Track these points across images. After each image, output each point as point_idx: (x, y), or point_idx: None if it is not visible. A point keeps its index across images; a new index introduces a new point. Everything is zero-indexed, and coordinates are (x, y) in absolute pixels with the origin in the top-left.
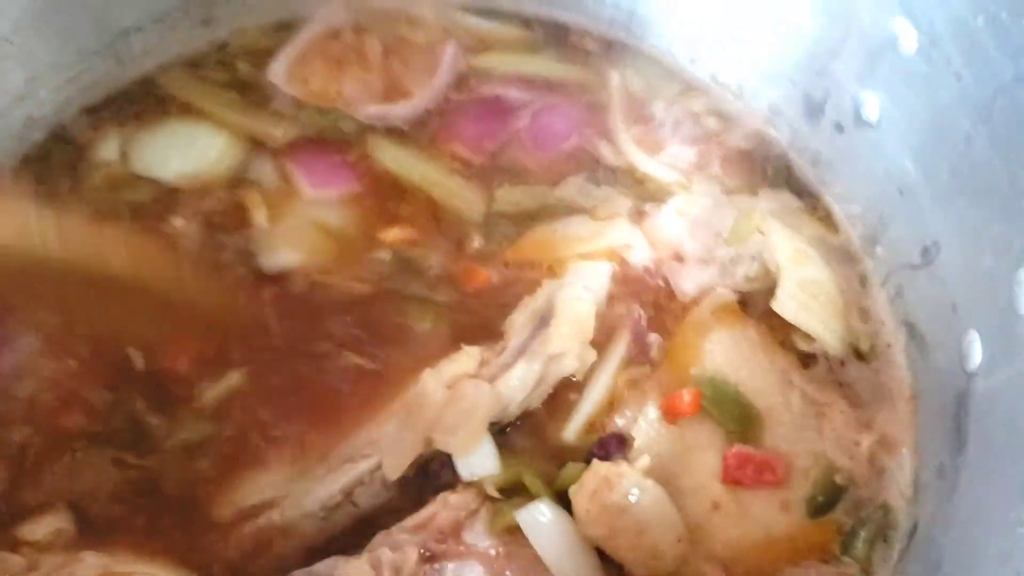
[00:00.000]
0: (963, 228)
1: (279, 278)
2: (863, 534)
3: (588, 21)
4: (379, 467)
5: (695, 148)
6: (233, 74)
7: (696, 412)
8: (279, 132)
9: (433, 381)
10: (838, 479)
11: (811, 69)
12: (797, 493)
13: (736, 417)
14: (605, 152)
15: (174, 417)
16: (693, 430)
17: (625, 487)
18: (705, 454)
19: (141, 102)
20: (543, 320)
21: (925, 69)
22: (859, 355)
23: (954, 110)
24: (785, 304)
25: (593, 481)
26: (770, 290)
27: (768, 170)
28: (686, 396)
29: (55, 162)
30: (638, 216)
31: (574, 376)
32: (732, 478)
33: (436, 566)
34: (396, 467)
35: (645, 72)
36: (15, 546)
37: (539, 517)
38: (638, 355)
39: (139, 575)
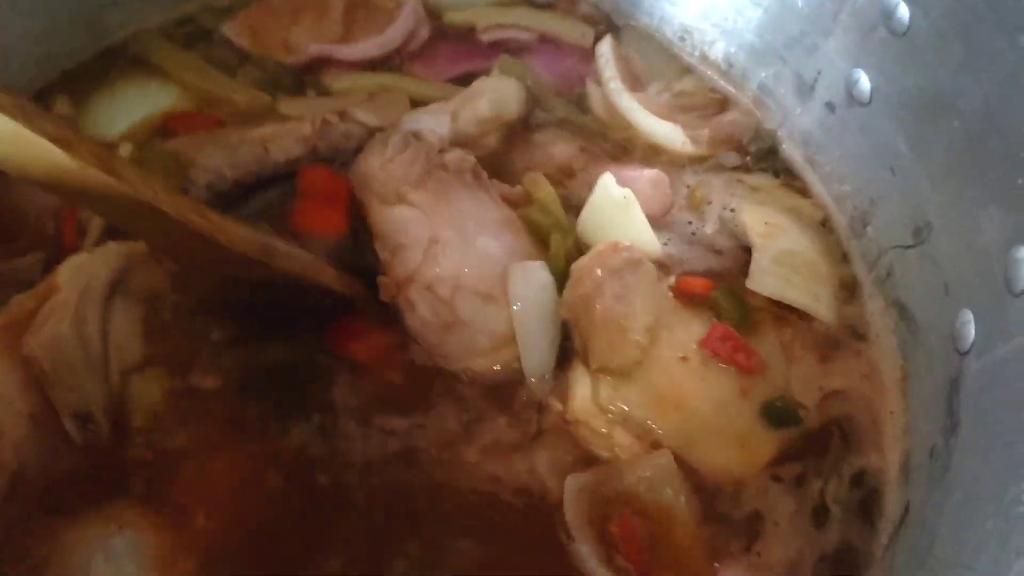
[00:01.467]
0: (957, 207)
1: None
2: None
3: None
4: None
5: (678, 120)
6: (193, 28)
7: (705, 294)
8: (234, 94)
9: None
10: (801, 412)
11: (802, 47)
12: (760, 390)
13: (738, 313)
14: (592, 91)
15: None
16: (693, 310)
17: (628, 256)
18: (695, 325)
19: (104, 63)
20: None
21: (919, 47)
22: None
23: (949, 88)
24: (761, 281)
25: (605, 245)
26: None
27: (752, 148)
28: (699, 281)
29: None
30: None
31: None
32: (710, 345)
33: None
34: None
35: (635, 44)
36: None
37: (532, 273)
38: None
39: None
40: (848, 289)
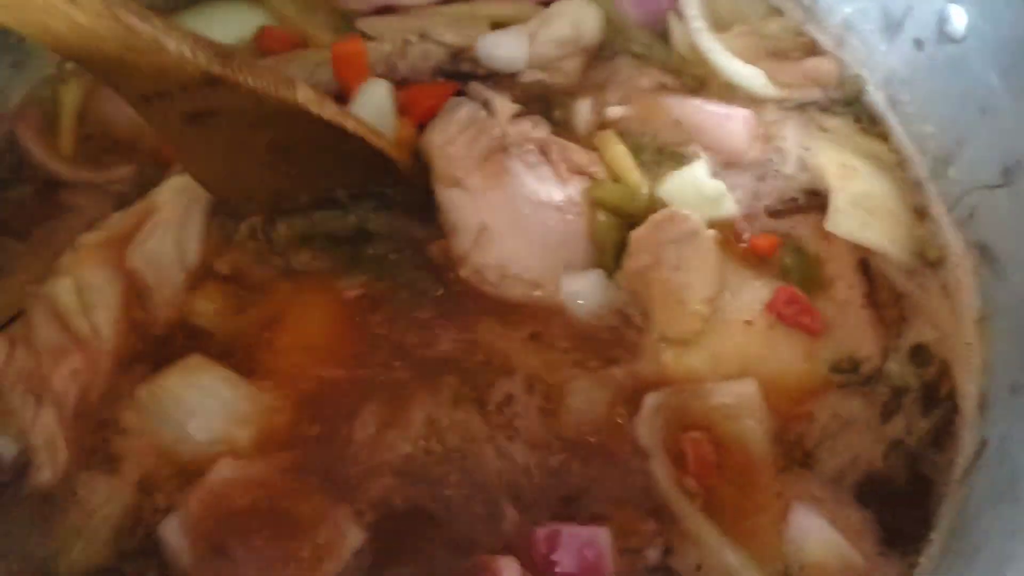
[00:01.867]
0: None
1: None
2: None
3: None
4: None
5: (762, 64)
6: None
7: (771, 254)
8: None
9: None
10: (864, 366)
11: None
12: (826, 351)
13: (805, 273)
14: (674, 26)
15: None
16: (759, 271)
17: (687, 225)
18: (760, 287)
19: None
20: None
21: None
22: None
23: None
24: (840, 223)
25: (661, 215)
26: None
27: (836, 94)
28: (767, 241)
29: None
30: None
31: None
32: (775, 308)
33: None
34: None
35: None
36: None
37: (583, 284)
38: None
39: None
40: (925, 231)
